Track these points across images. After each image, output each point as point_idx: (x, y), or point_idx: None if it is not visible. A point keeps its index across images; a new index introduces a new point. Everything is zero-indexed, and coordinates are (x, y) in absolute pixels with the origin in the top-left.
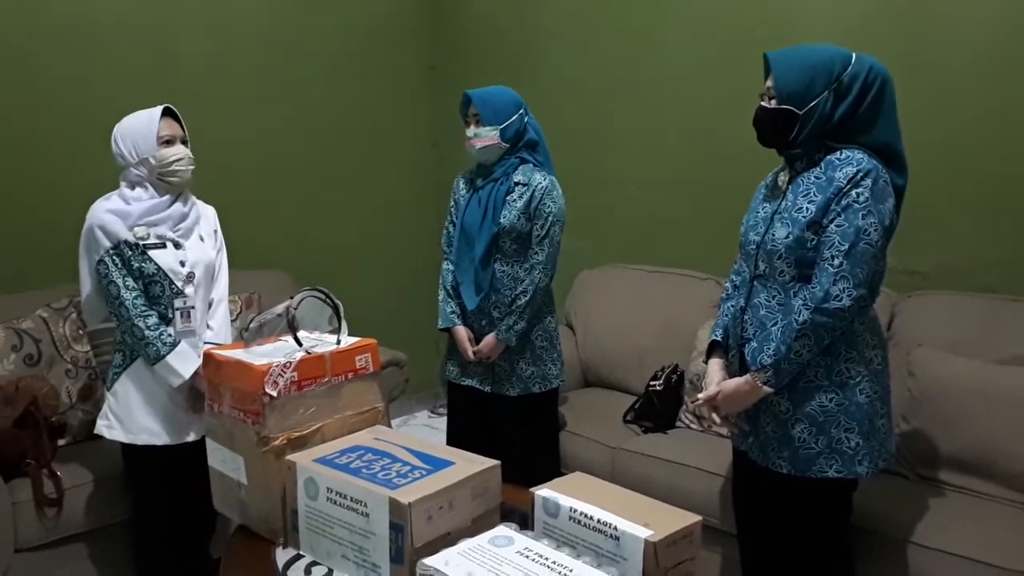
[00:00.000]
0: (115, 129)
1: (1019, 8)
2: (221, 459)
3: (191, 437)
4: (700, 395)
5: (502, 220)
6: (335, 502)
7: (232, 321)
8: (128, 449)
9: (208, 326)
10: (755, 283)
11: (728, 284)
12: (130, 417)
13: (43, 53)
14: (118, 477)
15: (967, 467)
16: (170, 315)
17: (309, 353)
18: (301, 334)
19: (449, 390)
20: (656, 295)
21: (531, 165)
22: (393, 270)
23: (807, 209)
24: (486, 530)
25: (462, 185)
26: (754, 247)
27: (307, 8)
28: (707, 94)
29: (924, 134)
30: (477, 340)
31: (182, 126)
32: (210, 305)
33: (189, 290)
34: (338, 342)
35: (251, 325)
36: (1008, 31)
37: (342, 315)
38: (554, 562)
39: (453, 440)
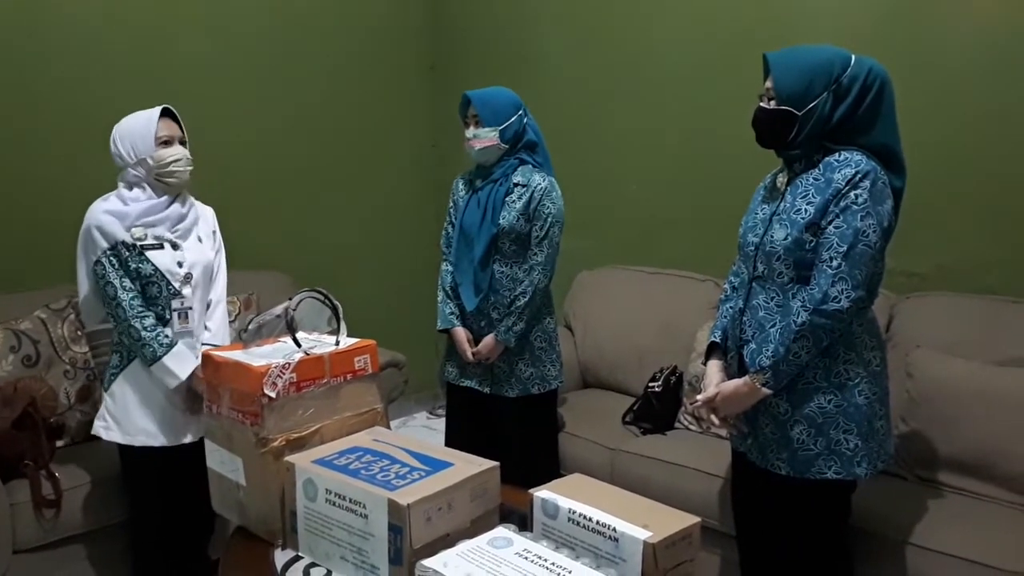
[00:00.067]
0: (114, 130)
1: (1018, 9)
2: (220, 460)
3: (188, 439)
4: (699, 396)
5: (501, 221)
6: (334, 503)
7: (231, 322)
8: (125, 450)
9: (206, 327)
10: (754, 284)
11: (727, 285)
12: (127, 418)
13: (43, 53)
14: (116, 478)
15: (966, 468)
16: (167, 316)
17: (308, 354)
18: (300, 335)
19: (448, 391)
20: (655, 296)
21: (530, 166)
22: (392, 271)
23: (806, 211)
24: (485, 531)
25: (461, 186)
26: (753, 248)
27: (307, 8)
28: (706, 95)
29: (923, 135)
30: (476, 341)
31: (181, 127)
32: (208, 306)
33: (187, 291)
34: (337, 343)
35: (250, 326)
36: (1008, 32)
37: (341, 316)
38: (553, 563)
39: (451, 441)
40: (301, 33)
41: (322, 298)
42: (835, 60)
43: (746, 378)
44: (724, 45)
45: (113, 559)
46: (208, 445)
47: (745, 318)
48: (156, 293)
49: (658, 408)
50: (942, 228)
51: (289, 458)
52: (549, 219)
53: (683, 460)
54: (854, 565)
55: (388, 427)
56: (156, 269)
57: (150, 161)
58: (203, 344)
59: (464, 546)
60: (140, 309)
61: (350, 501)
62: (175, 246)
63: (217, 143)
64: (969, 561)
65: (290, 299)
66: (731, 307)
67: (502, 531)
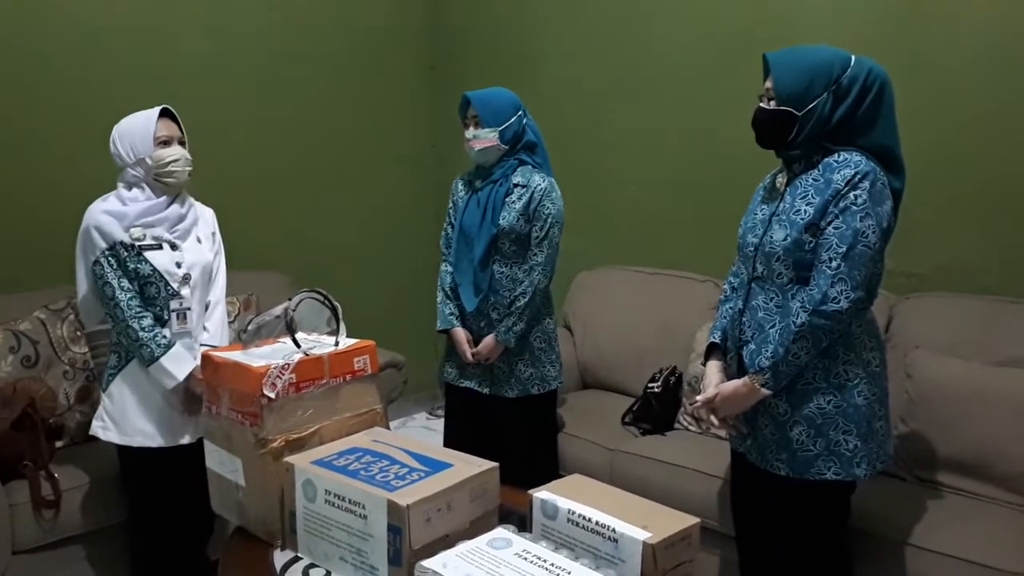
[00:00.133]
0: (114, 130)
1: (1018, 9)
2: (219, 461)
3: (186, 439)
4: (698, 397)
5: (501, 222)
6: (333, 504)
7: (230, 323)
8: (123, 451)
9: (204, 328)
10: (753, 285)
11: (726, 286)
12: (125, 419)
13: (43, 53)
14: (115, 479)
15: (965, 469)
16: (166, 317)
17: (307, 355)
18: (299, 336)
19: (447, 392)
20: (654, 297)
21: (530, 167)
22: (391, 271)
23: (805, 211)
24: (484, 532)
25: (460, 187)
26: (752, 249)
27: (307, 8)
28: (706, 95)
29: (922, 136)
30: (476, 342)
31: (180, 127)
32: (207, 307)
33: (185, 292)
34: (336, 344)
35: (249, 327)
36: (1006, 33)
37: (340, 317)
38: (552, 564)
39: (450, 442)
40: (301, 33)
41: (321, 299)
42: (835, 60)
43: (745, 379)
44: (723, 45)
45: (112, 560)
46: (207, 446)
47: (744, 319)
48: (154, 294)
49: (657, 409)
50: (941, 229)
51: (288, 459)
52: (549, 219)
53: (682, 461)
54: (853, 566)
55: (387, 428)
56: (154, 269)
57: (149, 161)
58: (201, 345)
59: (463, 547)
60: (138, 310)
61: (349, 502)
62: (174, 247)
63: (216, 143)
64: (968, 562)
65: (289, 299)
66: (730, 308)
67: (501, 532)
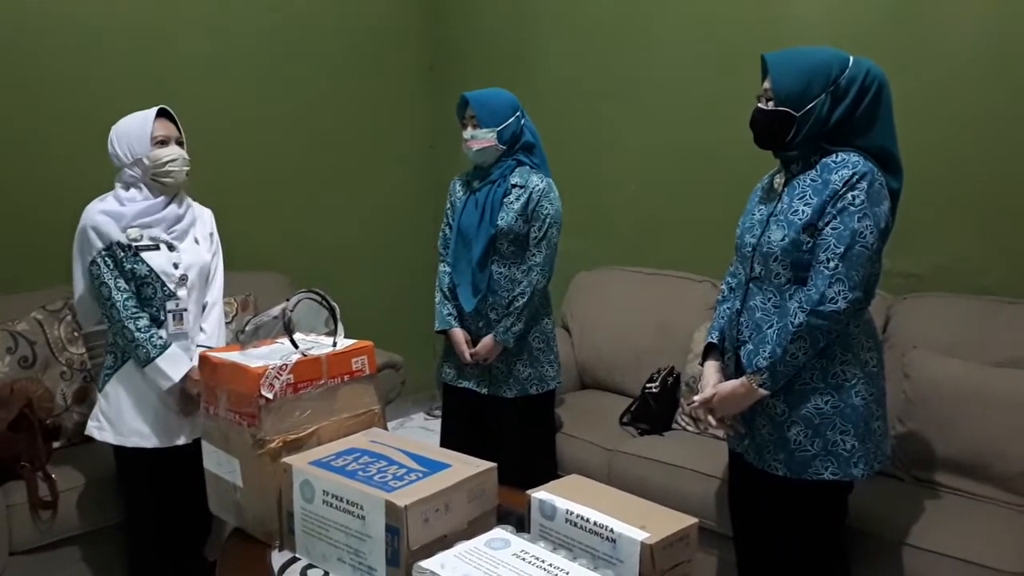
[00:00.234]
0: (111, 130)
1: (1016, 10)
2: (217, 461)
3: (182, 440)
4: (696, 397)
5: (499, 222)
6: (331, 505)
7: (228, 323)
8: (119, 451)
9: (201, 329)
10: (751, 285)
11: (724, 286)
12: (120, 419)
13: (43, 53)
14: (112, 480)
15: (962, 469)
16: (162, 317)
17: (305, 355)
18: (297, 336)
19: (445, 392)
20: (652, 297)
21: (528, 167)
22: (390, 272)
23: (803, 211)
24: (482, 532)
25: (458, 187)
26: (750, 249)
27: (305, 8)
28: (704, 95)
29: (920, 136)
30: (474, 342)
31: (178, 127)
32: (204, 308)
33: (182, 292)
34: (334, 344)
35: (247, 327)
36: (1006, 34)
37: (338, 317)
38: (550, 564)
39: (447, 443)
40: (299, 34)
41: (319, 299)
42: (833, 61)
43: (743, 379)
44: (721, 46)
45: (109, 561)
46: (205, 446)
47: (742, 319)
48: (151, 294)
49: (655, 409)
50: (939, 229)
51: (286, 459)
52: (547, 220)
53: (680, 461)
54: (851, 566)
55: (385, 428)
56: (151, 270)
57: (146, 161)
58: (198, 346)
59: (461, 547)
60: (134, 310)
61: (347, 502)
62: (171, 247)
63: (215, 144)
64: (965, 561)
65: (287, 300)
66: (728, 308)
67: (499, 532)
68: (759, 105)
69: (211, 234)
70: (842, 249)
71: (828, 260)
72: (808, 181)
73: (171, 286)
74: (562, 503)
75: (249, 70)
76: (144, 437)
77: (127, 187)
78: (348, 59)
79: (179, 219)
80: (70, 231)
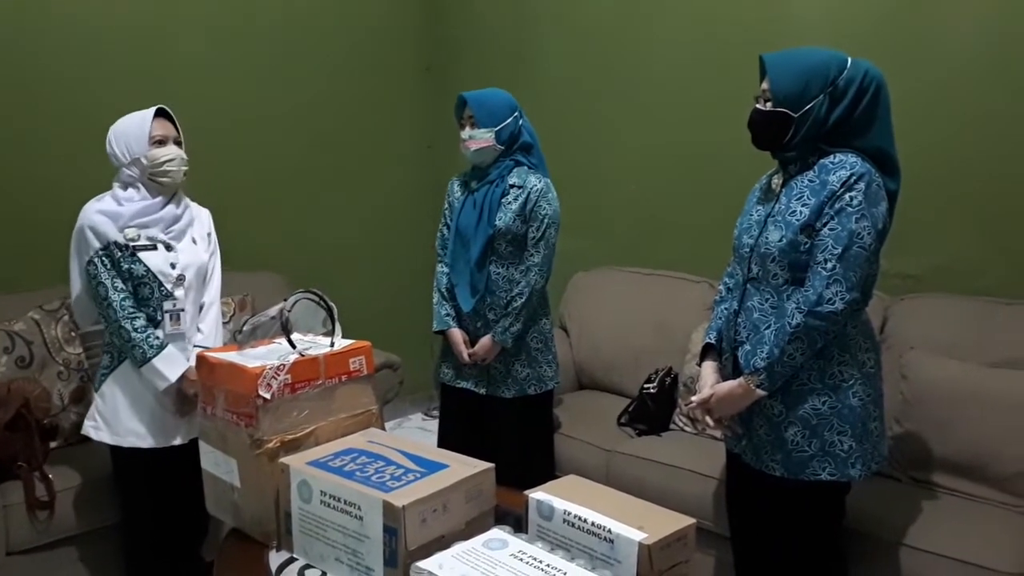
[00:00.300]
0: (110, 130)
1: (1015, 11)
2: (214, 462)
3: (178, 440)
4: (694, 398)
5: (497, 222)
6: (329, 505)
7: (225, 323)
8: (115, 451)
9: (198, 329)
10: (748, 286)
11: (721, 287)
12: (117, 419)
13: (43, 53)
14: (109, 480)
15: (959, 470)
16: (159, 317)
17: (303, 355)
18: (295, 336)
19: (442, 393)
20: (650, 297)
21: (526, 167)
22: (387, 272)
23: (800, 212)
24: (480, 533)
25: (456, 187)
26: (747, 250)
27: (305, 8)
28: (704, 96)
29: (917, 137)
30: (472, 342)
31: (176, 127)
32: (201, 308)
33: (179, 293)
34: (332, 344)
35: (244, 327)
36: (1004, 35)
37: (335, 317)
38: (548, 565)
39: (443, 443)
40: (298, 34)
41: (317, 299)
42: (831, 62)
43: (741, 379)
44: (721, 46)
45: (106, 561)
46: (203, 446)
47: (740, 320)
48: (148, 294)
49: (653, 409)
50: (936, 230)
51: (284, 460)
52: (545, 220)
53: (678, 461)
54: (848, 566)
55: (383, 428)
56: (148, 270)
57: (144, 161)
58: (194, 346)
59: (459, 548)
60: (131, 310)
61: (345, 503)
62: (168, 247)
63: (212, 143)
64: (962, 562)
65: (285, 300)
66: (726, 308)
67: (497, 533)
68: (757, 106)
69: (209, 234)
70: (840, 250)
71: (826, 261)
72: (806, 182)
73: (168, 286)
74: (560, 503)
75: (248, 70)
76: (140, 437)
77: (125, 187)
78: (345, 60)
79: (177, 219)
80: (68, 231)
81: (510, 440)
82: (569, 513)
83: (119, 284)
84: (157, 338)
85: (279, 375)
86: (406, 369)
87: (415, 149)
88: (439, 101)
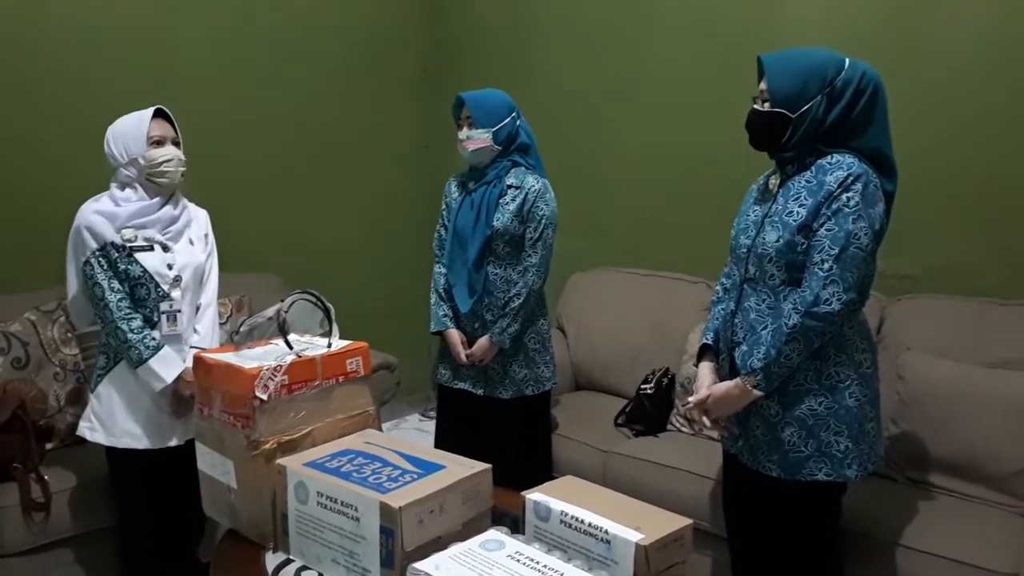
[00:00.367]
0: (108, 130)
1: (1014, 11)
2: (211, 463)
3: (174, 442)
4: (691, 398)
5: (495, 223)
6: (325, 506)
7: (222, 324)
8: (111, 452)
9: (195, 330)
10: (745, 286)
11: (718, 287)
12: (112, 420)
13: (43, 53)
14: (105, 481)
15: (955, 470)
16: (156, 318)
17: (300, 356)
18: (292, 337)
19: (440, 394)
20: (648, 298)
21: (523, 168)
22: (384, 273)
23: (798, 213)
24: (477, 534)
25: (454, 188)
26: (745, 250)
27: (305, 9)
28: (702, 96)
29: (914, 138)
30: (470, 343)
31: (174, 127)
32: (198, 309)
33: (176, 294)
34: (329, 345)
35: (241, 328)
36: (1002, 36)
37: (333, 318)
38: (545, 566)
39: (440, 444)
40: (297, 34)
41: (314, 300)
42: (829, 63)
43: (737, 380)
44: (720, 46)
45: (102, 562)
46: (199, 448)
47: (737, 320)
48: (145, 295)
49: (650, 410)
50: (933, 231)
51: (280, 461)
52: (543, 221)
53: (675, 462)
54: (844, 566)
55: (380, 429)
56: (145, 271)
57: (141, 161)
58: (191, 347)
59: (456, 549)
60: (127, 311)
61: (342, 504)
62: (165, 248)
63: (210, 144)
64: (958, 562)
65: (282, 301)
66: (723, 309)
67: (494, 533)
68: (755, 106)
69: (206, 235)
70: (836, 250)
71: (822, 261)
72: (803, 182)
73: (165, 287)
74: (557, 504)
75: (247, 70)
76: (136, 438)
77: (123, 187)
78: (343, 60)
79: (174, 220)
80: (66, 231)
81: (507, 441)
82: (566, 514)
83: (116, 285)
84: (153, 339)
85: (276, 376)
86: (403, 370)
87: (413, 149)
88: (436, 102)
